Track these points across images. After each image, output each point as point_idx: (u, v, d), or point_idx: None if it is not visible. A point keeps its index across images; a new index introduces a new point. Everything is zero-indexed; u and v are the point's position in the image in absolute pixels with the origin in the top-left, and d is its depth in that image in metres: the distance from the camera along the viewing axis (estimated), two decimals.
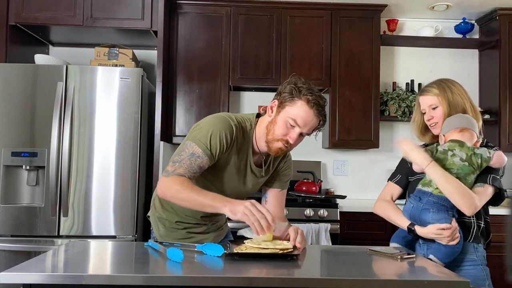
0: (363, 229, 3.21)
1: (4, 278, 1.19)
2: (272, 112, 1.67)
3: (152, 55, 3.74)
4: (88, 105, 2.94)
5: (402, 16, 3.90)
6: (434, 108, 1.84)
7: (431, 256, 1.71)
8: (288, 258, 1.44)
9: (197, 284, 1.24)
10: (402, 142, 1.83)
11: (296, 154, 3.80)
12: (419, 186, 1.78)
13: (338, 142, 3.59)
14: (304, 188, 3.53)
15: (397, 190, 1.96)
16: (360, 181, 3.89)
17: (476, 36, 3.93)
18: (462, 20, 3.83)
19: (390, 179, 2.00)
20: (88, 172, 2.92)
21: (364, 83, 3.58)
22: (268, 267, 1.36)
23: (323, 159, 3.88)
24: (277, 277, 1.27)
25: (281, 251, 1.44)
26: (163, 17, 3.24)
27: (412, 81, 3.84)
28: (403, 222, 1.80)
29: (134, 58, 3.35)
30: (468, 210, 1.68)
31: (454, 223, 1.69)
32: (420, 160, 1.74)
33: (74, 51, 3.77)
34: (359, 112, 3.57)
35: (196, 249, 1.52)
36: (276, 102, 1.67)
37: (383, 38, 3.70)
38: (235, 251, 1.44)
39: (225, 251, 1.44)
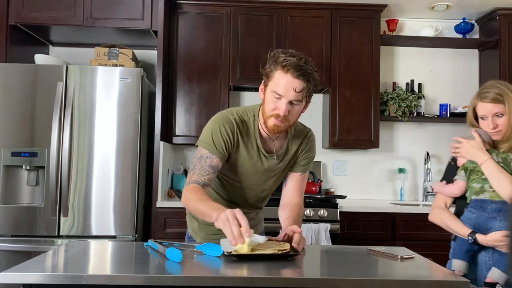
0: (363, 229, 3.21)
1: (4, 278, 1.19)
2: (261, 94, 1.68)
3: (152, 55, 3.75)
4: (88, 105, 2.94)
5: (402, 16, 3.90)
6: (499, 116, 1.81)
7: (493, 270, 1.68)
8: (288, 258, 1.44)
9: (197, 284, 1.24)
10: (465, 140, 1.83)
11: None
12: (474, 197, 1.77)
13: (338, 142, 3.59)
14: None
15: (449, 197, 1.92)
16: (360, 181, 3.90)
17: (476, 36, 3.93)
18: (462, 20, 3.83)
19: None
20: (88, 172, 2.92)
21: (364, 83, 3.58)
22: (268, 267, 1.36)
23: (323, 159, 3.88)
24: (277, 277, 1.27)
25: (280, 252, 1.44)
26: (163, 17, 3.24)
27: (412, 81, 3.84)
28: (462, 230, 1.75)
29: (134, 58, 3.35)
30: None
31: None
32: (479, 156, 1.76)
33: (74, 51, 3.78)
34: (359, 112, 3.57)
35: (195, 249, 1.52)
36: (262, 84, 1.67)
37: (383, 38, 3.70)
38: (233, 252, 1.44)
39: (224, 252, 1.44)
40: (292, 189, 1.85)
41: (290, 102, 1.58)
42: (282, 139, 1.76)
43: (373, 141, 3.57)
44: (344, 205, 3.25)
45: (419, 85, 3.85)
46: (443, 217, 1.86)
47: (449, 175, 1.93)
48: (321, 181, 3.71)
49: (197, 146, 1.72)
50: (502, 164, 1.75)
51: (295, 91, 1.55)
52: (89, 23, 3.23)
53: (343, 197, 3.37)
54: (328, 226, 3.08)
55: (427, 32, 3.78)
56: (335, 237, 3.11)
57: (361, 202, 3.57)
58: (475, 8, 3.67)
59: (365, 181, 3.89)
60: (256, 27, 3.57)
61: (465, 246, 1.75)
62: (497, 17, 3.61)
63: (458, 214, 1.86)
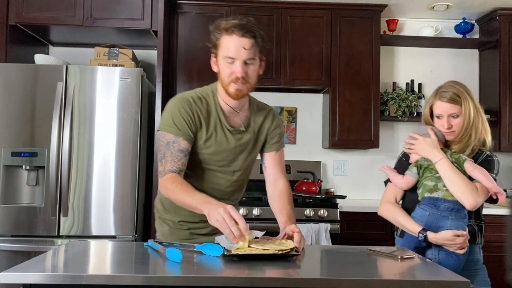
0: (363, 229, 3.21)
1: (4, 278, 1.19)
2: (215, 67, 1.68)
3: (152, 55, 3.74)
4: (88, 105, 2.94)
5: (402, 16, 3.90)
6: (455, 117, 1.85)
7: None
8: (288, 258, 1.44)
9: (197, 284, 1.24)
10: (421, 137, 1.85)
11: (296, 154, 3.85)
12: (427, 194, 1.80)
13: (338, 142, 3.59)
14: (304, 188, 3.53)
15: (400, 191, 1.96)
16: (360, 181, 3.89)
17: (476, 36, 3.93)
18: (462, 20, 3.83)
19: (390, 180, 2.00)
20: (88, 172, 2.92)
21: (364, 83, 3.58)
22: (268, 267, 1.36)
23: (323, 159, 3.88)
24: (277, 277, 1.27)
25: (280, 252, 1.44)
26: (163, 17, 3.24)
27: (412, 81, 3.84)
28: (413, 227, 1.79)
29: (134, 58, 3.35)
30: (470, 205, 1.72)
31: (467, 232, 1.72)
32: (434, 154, 1.79)
33: (74, 51, 3.77)
34: (359, 112, 3.57)
35: (195, 249, 1.52)
36: (213, 56, 1.67)
37: (383, 38, 3.70)
38: (233, 252, 1.44)
39: (224, 252, 1.44)
40: (273, 170, 1.84)
41: (245, 63, 1.59)
42: (246, 111, 1.75)
43: (373, 141, 3.57)
44: (344, 205, 3.25)
45: (419, 85, 3.85)
46: (393, 212, 1.89)
47: (399, 169, 1.97)
48: (321, 181, 3.71)
49: (158, 131, 1.69)
50: (455, 165, 1.79)
51: (245, 49, 1.57)
52: (89, 23, 3.23)
53: (343, 197, 3.37)
54: (328, 226, 3.08)
55: (427, 32, 3.78)
56: (335, 237, 3.11)
57: (361, 202, 3.56)
58: (475, 8, 3.67)
59: (365, 181, 3.89)
60: None
61: (413, 242, 1.79)
62: (497, 17, 3.61)
63: (406, 209, 1.89)
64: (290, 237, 1.58)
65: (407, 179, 1.88)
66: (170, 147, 1.63)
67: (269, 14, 3.57)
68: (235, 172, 1.77)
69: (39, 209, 2.89)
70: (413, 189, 1.89)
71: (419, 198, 1.83)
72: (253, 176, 3.73)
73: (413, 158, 1.90)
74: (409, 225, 1.80)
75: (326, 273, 1.47)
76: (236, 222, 1.40)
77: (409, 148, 1.91)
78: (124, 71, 2.99)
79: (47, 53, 3.76)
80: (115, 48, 3.28)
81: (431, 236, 1.73)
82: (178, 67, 3.51)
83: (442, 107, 1.86)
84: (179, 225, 1.81)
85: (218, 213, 1.41)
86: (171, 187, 1.58)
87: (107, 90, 2.96)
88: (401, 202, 1.98)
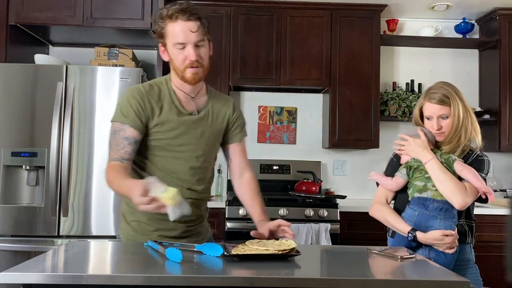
0: (363, 229, 3.21)
1: (4, 278, 1.19)
2: (166, 56, 1.67)
3: (152, 55, 3.74)
4: (88, 105, 2.94)
5: (402, 16, 3.90)
6: (444, 118, 1.86)
7: None
8: (288, 258, 1.44)
9: (197, 284, 1.24)
10: (410, 138, 1.86)
11: (296, 154, 3.85)
12: (416, 194, 1.82)
13: (338, 142, 3.59)
14: (304, 188, 3.53)
15: (391, 192, 1.97)
16: (360, 181, 3.90)
17: (476, 36, 3.93)
18: (462, 20, 3.83)
19: None
20: (88, 172, 2.92)
21: (364, 83, 3.58)
22: (268, 267, 1.36)
23: (323, 159, 3.88)
24: (277, 277, 1.27)
25: (280, 252, 1.44)
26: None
27: (412, 81, 3.84)
28: (403, 227, 1.80)
29: (134, 58, 3.35)
30: (459, 205, 1.74)
31: (456, 232, 1.74)
32: (424, 155, 1.80)
33: (74, 51, 3.77)
34: (359, 112, 3.57)
35: (195, 249, 1.52)
36: (161, 46, 1.67)
37: (383, 38, 3.70)
38: (233, 252, 1.44)
39: (224, 252, 1.44)
40: (239, 161, 1.86)
41: (196, 46, 1.60)
42: (203, 96, 1.76)
43: (373, 141, 3.58)
44: (344, 205, 3.25)
45: (419, 85, 3.85)
46: (384, 213, 1.91)
47: (390, 170, 1.99)
48: (321, 181, 3.71)
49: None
50: (445, 165, 1.80)
51: (192, 32, 1.58)
52: (89, 23, 3.23)
53: (343, 197, 3.37)
54: (328, 226, 3.08)
55: (427, 32, 3.78)
56: (335, 237, 3.11)
57: (361, 202, 3.56)
58: (475, 8, 3.67)
59: (365, 181, 3.89)
60: (256, 27, 3.57)
61: (404, 242, 1.80)
62: (497, 17, 3.62)
63: (397, 210, 1.91)
64: (274, 232, 1.64)
65: (397, 181, 1.90)
66: (116, 135, 1.63)
67: (269, 14, 3.57)
68: (198, 157, 1.73)
69: (39, 209, 2.89)
70: (404, 189, 1.90)
71: (409, 199, 1.85)
72: None
73: (403, 159, 1.91)
74: (399, 225, 1.82)
75: (326, 273, 1.47)
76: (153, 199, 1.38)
77: (399, 149, 1.92)
78: (124, 71, 2.99)
79: (47, 53, 3.76)
80: (115, 48, 3.28)
81: (420, 236, 1.74)
82: None
83: (431, 109, 1.87)
84: (146, 226, 1.73)
85: (137, 202, 1.38)
86: (110, 178, 1.58)
87: (107, 90, 2.96)
88: (393, 202, 1.99)
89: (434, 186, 1.79)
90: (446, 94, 1.85)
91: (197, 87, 1.71)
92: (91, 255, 1.53)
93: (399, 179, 1.89)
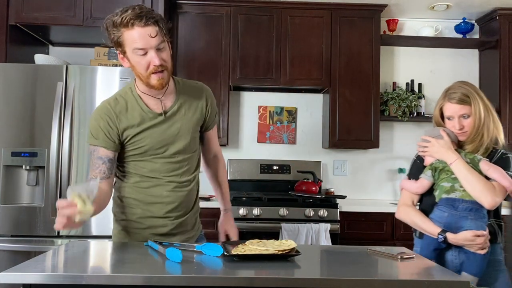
0: (363, 229, 3.21)
1: (4, 278, 1.19)
2: (126, 63, 1.62)
3: None
4: (88, 105, 2.94)
5: (402, 16, 3.90)
6: (465, 118, 1.85)
7: (463, 274, 1.71)
8: (288, 258, 1.44)
9: (197, 284, 1.24)
10: (433, 140, 1.85)
11: (296, 154, 3.85)
12: (444, 195, 1.79)
13: (338, 142, 3.59)
14: (304, 188, 3.53)
15: (416, 195, 1.94)
16: (360, 181, 3.90)
17: (476, 36, 3.93)
18: (462, 20, 3.83)
19: None
20: (88, 172, 2.91)
21: (364, 83, 3.58)
22: (268, 267, 1.36)
23: (323, 159, 3.88)
24: (277, 277, 1.27)
25: (280, 252, 1.44)
26: (163, 17, 3.23)
27: (412, 81, 3.84)
28: (432, 229, 1.77)
29: None
30: (489, 204, 1.71)
31: (487, 232, 1.71)
32: (449, 156, 1.79)
33: (74, 51, 3.77)
34: (359, 112, 3.57)
35: (195, 249, 1.52)
36: (119, 54, 1.62)
37: (383, 38, 3.70)
38: (233, 252, 1.44)
39: (224, 252, 1.44)
40: (213, 145, 1.93)
41: (157, 50, 1.56)
42: (169, 94, 1.71)
43: (373, 141, 3.58)
44: (344, 205, 3.25)
45: (419, 85, 3.85)
46: (411, 215, 1.88)
47: (415, 172, 1.96)
48: (321, 181, 3.71)
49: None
50: (471, 165, 1.78)
51: (152, 37, 1.53)
52: (89, 23, 3.23)
53: (343, 197, 3.37)
54: (328, 226, 3.08)
55: (427, 32, 3.78)
56: (335, 237, 3.11)
57: (361, 202, 3.57)
58: (475, 8, 3.67)
59: (365, 181, 3.90)
60: (256, 27, 3.57)
61: (433, 244, 1.77)
62: (497, 17, 3.61)
63: (423, 211, 1.88)
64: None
65: (422, 183, 1.87)
66: (92, 157, 1.66)
67: (269, 14, 3.57)
68: (179, 152, 1.73)
69: (39, 209, 2.89)
70: (429, 191, 1.87)
71: (436, 200, 1.82)
72: (253, 176, 3.77)
73: (427, 161, 1.88)
74: (428, 226, 1.79)
75: (326, 273, 1.47)
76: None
77: (422, 151, 1.89)
78: (124, 71, 2.98)
79: (47, 53, 3.76)
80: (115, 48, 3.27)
81: (451, 237, 1.71)
82: (178, 67, 3.51)
83: (452, 109, 1.85)
84: (138, 224, 1.75)
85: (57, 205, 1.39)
86: None
87: (107, 90, 2.95)
88: (418, 204, 1.96)
89: (461, 186, 1.76)
90: (466, 93, 1.84)
91: (163, 89, 1.67)
92: (91, 255, 1.53)
93: (424, 181, 1.87)
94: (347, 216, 3.22)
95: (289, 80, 3.57)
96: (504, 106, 3.58)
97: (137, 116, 1.66)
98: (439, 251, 1.77)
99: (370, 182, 3.89)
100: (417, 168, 1.95)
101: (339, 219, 3.17)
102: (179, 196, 1.75)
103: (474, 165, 1.78)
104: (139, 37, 1.53)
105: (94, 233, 2.91)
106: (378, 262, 1.51)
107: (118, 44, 1.58)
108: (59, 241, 2.88)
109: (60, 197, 2.88)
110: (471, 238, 1.68)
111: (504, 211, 3.15)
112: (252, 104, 3.90)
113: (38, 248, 2.81)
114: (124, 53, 1.60)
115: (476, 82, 3.90)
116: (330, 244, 3.04)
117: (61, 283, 1.21)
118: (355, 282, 1.25)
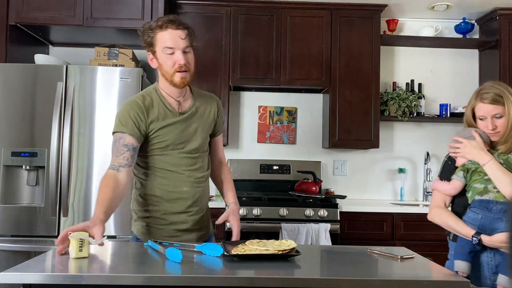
0: (363, 229, 3.21)
1: (4, 278, 1.19)
2: (154, 63, 1.82)
3: None
4: (88, 105, 2.94)
5: (402, 16, 3.90)
6: (498, 118, 1.83)
7: (500, 276, 1.68)
8: (288, 258, 1.44)
9: (197, 284, 1.24)
10: (465, 141, 1.83)
11: (296, 154, 3.85)
12: (477, 197, 1.77)
13: (338, 142, 3.59)
14: (304, 188, 3.53)
15: (448, 196, 1.92)
16: (360, 181, 3.90)
17: (476, 36, 3.93)
18: (462, 20, 3.83)
19: None
20: (88, 172, 2.92)
21: (364, 83, 3.58)
22: (268, 267, 1.36)
23: (323, 159, 3.88)
24: (277, 277, 1.27)
25: (280, 252, 1.44)
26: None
27: (412, 81, 3.84)
28: (466, 231, 1.75)
29: (134, 58, 3.35)
30: None
31: None
32: (481, 157, 1.77)
33: (74, 51, 3.77)
34: (359, 112, 3.57)
35: (195, 249, 1.52)
36: (150, 54, 1.81)
37: (383, 38, 3.70)
38: (233, 252, 1.44)
39: (224, 252, 1.44)
40: (219, 152, 2.09)
41: (183, 52, 1.76)
42: (187, 98, 1.91)
43: (373, 141, 3.57)
44: (344, 205, 3.25)
45: (419, 85, 3.85)
46: (444, 217, 1.86)
47: (446, 173, 1.93)
48: (321, 181, 3.71)
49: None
50: (504, 166, 1.76)
51: (181, 38, 1.75)
52: (89, 23, 3.23)
53: (343, 197, 3.37)
54: (328, 226, 3.08)
55: (427, 32, 3.78)
56: (335, 237, 3.11)
57: (361, 202, 3.57)
58: (475, 8, 3.67)
59: (365, 181, 3.90)
60: (256, 27, 3.57)
61: (468, 247, 1.74)
62: (497, 17, 3.61)
63: (455, 213, 1.86)
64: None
65: (454, 184, 1.85)
66: (117, 143, 1.76)
67: (269, 14, 3.57)
68: (195, 149, 1.89)
69: (39, 209, 2.89)
70: (461, 193, 1.86)
71: (469, 202, 1.80)
72: (253, 176, 3.77)
73: (459, 162, 1.86)
74: (462, 229, 1.77)
75: (326, 273, 1.47)
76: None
77: (454, 152, 1.88)
78: (124, 71, 2.99)
79: (47, 53, 3.76)
80: (115, 48, 3.28)
81: (486, 239, 1.69)
82: None
83: (484, 109, 1.83)
84: (162, 220, 1.85)
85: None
86: (100, 187, 1.68)
87: (107, 90, 2.96)
88: (450, 206, 1.94)
89: (495, 188, 1.74)
90: (499, 93, 1.81)
91: (183, 92, 1.87)
92: (91, 254, 1.53)
93: (456, 182, 1.85)
94: (347, 216, 3.22)
95: (289, 80, 3.57)
96: None
97: (162, 112, 1.82)
98: (474, 253, 1.74)
99: (370, 182, 3.89)
100: (448, 169, 1.92)
101: (339, 219, 3.17)
102: (197, 192, 1.89)
103: (508, 166, 1.76)
104: (170, 37, 1.74)
105: None
106: (378, 262, 1.51)
107: (150, 44, 1.78)
108: None
109: (60, 197, 2.89)
110: (506, 240, 1.65)
111: None
112: (252, 104, 3.90)
113: (38, 248, 2.82)
114: (154, 52, 1.79)
115: (476, 82, 3.90)
116: (330, 244, 3.04)
117: (61, 283, 1.21)
118: (355, 282, 1.25)
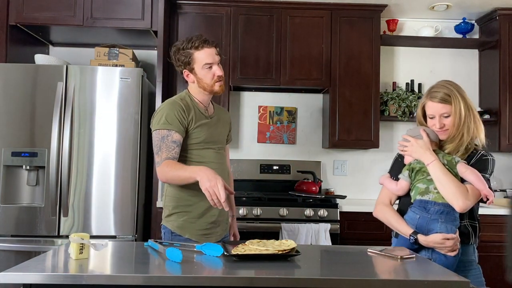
0: (363, 229, 3.21)
1: (4, 278, 1.19)
2: (191, 78, 2.09)
3: (152, 55, 3.74)
4: (88, 105, 2.94)
5: (402, 16, 3.90)
6: (446, 117, 1.86)
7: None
8: (288, 258, 1.44)
9: (197, 284, 1.24)
10: (413, 139, 1.86)
11: (296, 154, 3.85)
12: (418, 197, 1.81)
13: (338, 142, 3.59)
14: (304, 188, 3.53)
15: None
16: (360, 181, 3.90)
17: (476, 36, 3.93)
18: (462, 20, 3.83)
19: None
20: (88, 172, 2.92)
21: (364, 83, 3.58)
22: (267, 267, 1.36)
23: (323, 159, 3.88)
24: (277, 277, 1.27)
25: (280, 252, 1.44)
26: (163, 17, 3.24)
27: (412, 81, 3.84)
28: (405, 230, 1.80)
29: (134, 58, 3.35)
30: (460, 208, 1.73)
31: (457, 235, 1.73)
32: (426, 156, 1.80)
33: (74, 51, 3.78)
34: (359, 112, 3.57)
35: (195, 249, 1.52)
36: (186, 71, 2.09)
37: (383, 38, 3.70)
38: (233, 252, 1.44)
39: (224, 252, 1.44)
40: (227, 158, 2.32)
41: (218, 65, 2.10)
42: (211, 106, 2.22)
43: (373, 141, 3.57)
44: (344, 205, 3.25)
45: (419, 85, 3.85)
46: (387, 214, 1.91)
47: (395, 169, 1.99)
48: (321, 181, 3.71)
49: (154, 131, 2.00)
50: (447, 167, 1.79)
51: (216, 55, 2.09)
52: (89, 23, 3.23)
53: (343, 197, 3.37)
54: (328, 226, 3.08)
55: (427, 32, 3.78)
56: (335, 237, 3.11)
57: (361, 202, 3.57)
58: (475, 8, 3.67)
59: (365, 181, 3.89)
60: (256, 27, 3.57)
61: (406, 244, 1.80)
62: (497, 17, 3.61)
63: (401, 211, 1.91)
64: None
65: (401, 185, 1.89)
66: (165, 140, 1.96)
67: (269, 14, 3.57)
68: (220, 148, 2.19)
69: (39, 209, 2.89)
70: (408, 191, 1.90)
71: (412, 201, 1.84)
72: (253, 176, 3.77)
73: (406, 160, 1.91)
74: (401, 227, 1.82)
75: (326, 273, 1.47)
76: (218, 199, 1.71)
77: (402, 150, 1.91)
78: (124, 71, 2.99)
79: (47, 53, 3.76)
80: (115, 48, 3.28)
81: (422, 239, 1.74)
82: None
83: (433, 107, 1.87)
84: (196, 214, 2.04)
85: (210, 186, 1.71)
86: (167, 169, 1.90)
87: (107, 90, 2.96)
88: (397, 202, 1.99)
89: (435, 188, 1.78)
90: (448, 93, 1.85)
91: (209, 100, 2.17)
92: (91, 255, 1.53)
93: (403, 182, 1.88)
94: (347, 216, 3.22)
95: (289, 80, 3.57)
96: (504, 106, 3.58)
97: (197, 113, 2.08)
98: (413, 251, 1.78)
99: (370, 182, 3.89)
100: (398, 166, 1.97)
101: (339, 219, 3.17)
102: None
103: (451, 167, 1.79)
104: (207, 55, 2.05)
105: (94, 233, 2.91)
106: (378, 262, 1.51)
107: (188, 63, 2.06)
108: (59, 241, 2.89)
109: (60, 197, 2.89)
110: (440, 241, 1.71)
111: (500, 211, 3.16)
112: (252, 104, 3.90)
113: (38, 248, 2.82)
114: (191, 70, 2.07)
115: (476, 82, 3.90)
116: (330, 244, 3.04)
117: (61, 283, 1.21)
118: (355, 282, 1.25)
